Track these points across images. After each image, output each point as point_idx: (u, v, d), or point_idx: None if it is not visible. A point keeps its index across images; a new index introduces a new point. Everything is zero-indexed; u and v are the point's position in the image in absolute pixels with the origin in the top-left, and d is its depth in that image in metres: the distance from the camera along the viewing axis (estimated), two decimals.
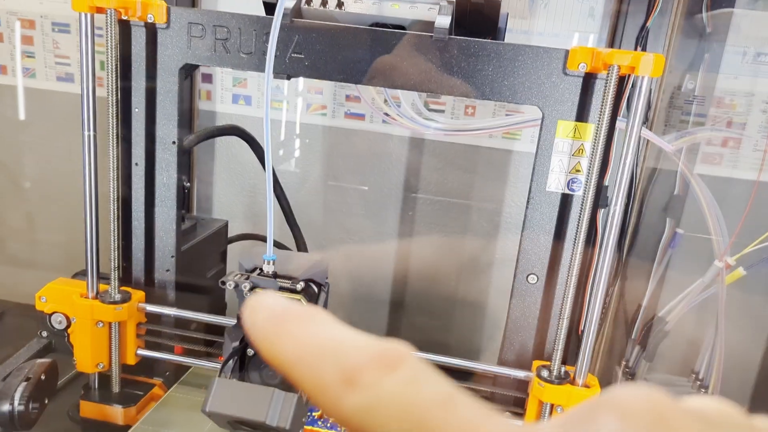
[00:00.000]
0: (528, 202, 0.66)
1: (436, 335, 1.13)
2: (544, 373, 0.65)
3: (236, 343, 0.61)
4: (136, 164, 0.72)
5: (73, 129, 1.12)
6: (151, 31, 0.67)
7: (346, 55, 0.65)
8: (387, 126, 1.05)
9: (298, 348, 0.16)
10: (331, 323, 0.17)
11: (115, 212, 0.71)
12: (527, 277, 0.68)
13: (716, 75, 0.90)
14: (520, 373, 0.68)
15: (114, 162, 0.69)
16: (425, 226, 1.10)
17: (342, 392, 0.15)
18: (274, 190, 0.92)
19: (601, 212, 0.91)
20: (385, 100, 0.89)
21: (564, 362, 0.66)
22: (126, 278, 0.76)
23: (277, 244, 0.97)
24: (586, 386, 0.64)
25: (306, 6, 0.66)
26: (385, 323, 1.15)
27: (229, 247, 0.96)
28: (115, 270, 0.72)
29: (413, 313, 1.14)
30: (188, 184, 0.92)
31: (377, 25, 0.66)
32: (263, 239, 0.97)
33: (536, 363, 0.68)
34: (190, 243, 0.81)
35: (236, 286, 0.62)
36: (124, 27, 0.67)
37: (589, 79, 0.61)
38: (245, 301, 0.17)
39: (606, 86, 0.58)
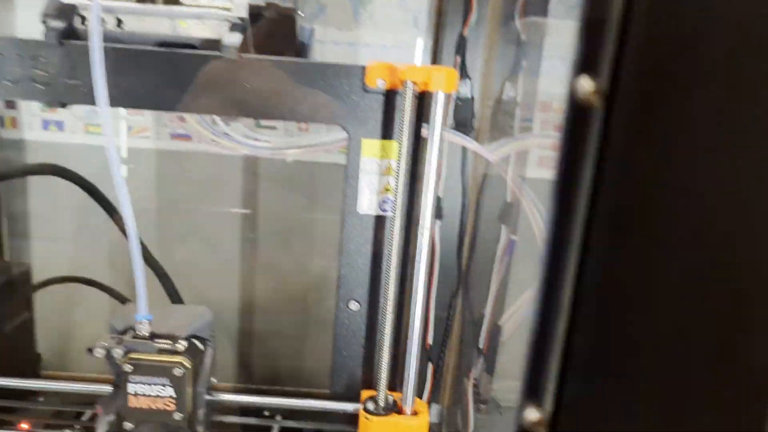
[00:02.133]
0: (342, 226, 0.63)
1: (288, 362, 1.08)
2: (370, 405, 0.62)
3: (111, 417, 0.57)
4: None
5: None
6: None
7: (128, 79, 0.58)
8: (216, 146, 0.99)
9: None
10: None
11: None
12: (348, 303, 0.65)
13: (537, 80, 0.91)
14: (349, 407, 0.64)
15: None
16: (268, 249, 1.05)
17: None
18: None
19: (438, 224, 0.90)
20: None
21: (393, 389, 0.63)
22: None
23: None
24: (414, 413, 0.62)
25: (81, 26, 0.60)
26: (235, 353, 1.09)
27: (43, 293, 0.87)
28: None
29: (264, 341, 1.08)
30: None
31: (165, 44, 0.61)
32: (79, 281, 0.88)
33: (365, 393, 0.64)
34: None
35: (108, 353, 0.55)
36: None
37: (390, 96, 0.59)
38: None
39: (403, 102, 0.56)
